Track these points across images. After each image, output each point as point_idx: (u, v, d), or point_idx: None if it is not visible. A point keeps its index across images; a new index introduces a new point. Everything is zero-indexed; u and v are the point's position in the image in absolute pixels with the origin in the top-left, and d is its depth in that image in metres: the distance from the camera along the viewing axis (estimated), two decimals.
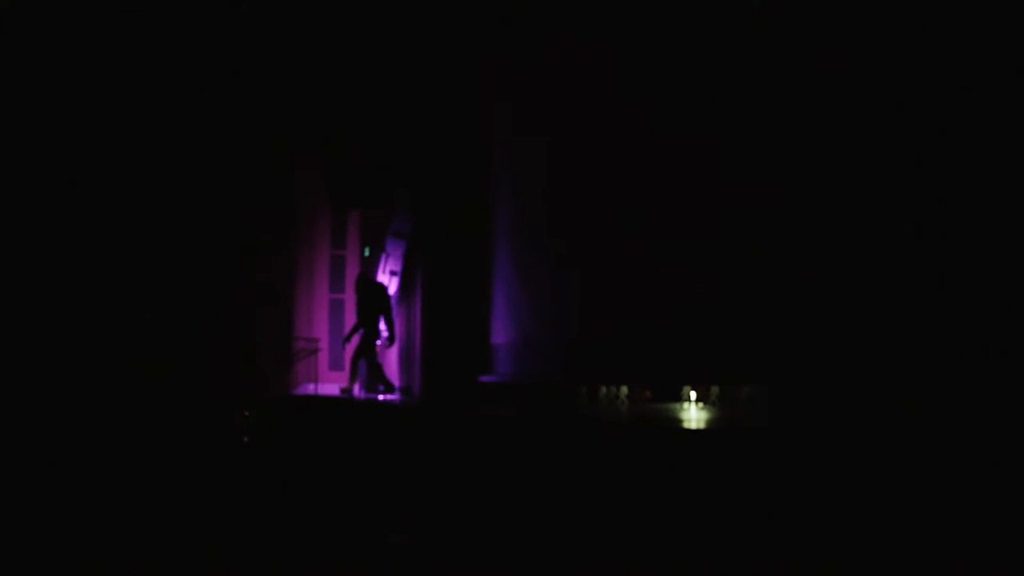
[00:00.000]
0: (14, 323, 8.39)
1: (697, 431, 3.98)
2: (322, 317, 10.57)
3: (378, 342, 9.28)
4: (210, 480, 6.55)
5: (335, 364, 10.44)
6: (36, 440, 7.39)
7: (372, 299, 9.27)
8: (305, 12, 9.26)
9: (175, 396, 8.76)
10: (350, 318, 10.07)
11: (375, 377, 9.19)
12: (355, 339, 9.33)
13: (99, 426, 8.01)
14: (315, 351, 10.12)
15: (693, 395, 6.46)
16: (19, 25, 8.39)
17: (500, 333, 8.31)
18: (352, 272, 10.61)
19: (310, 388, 10.02)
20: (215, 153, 9.73)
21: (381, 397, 8.81)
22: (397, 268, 9.93)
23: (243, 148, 9.93)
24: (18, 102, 8.50)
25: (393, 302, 9.65)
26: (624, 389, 7.18)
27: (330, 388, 9.84)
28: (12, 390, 8.01)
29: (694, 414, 5.37)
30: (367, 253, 10.53)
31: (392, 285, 9.87)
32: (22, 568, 4.15)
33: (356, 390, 9.23)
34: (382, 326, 9.25)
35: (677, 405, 6.44)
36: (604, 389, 7.31)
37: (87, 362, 8.70)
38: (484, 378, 8.26)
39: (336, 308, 10.70)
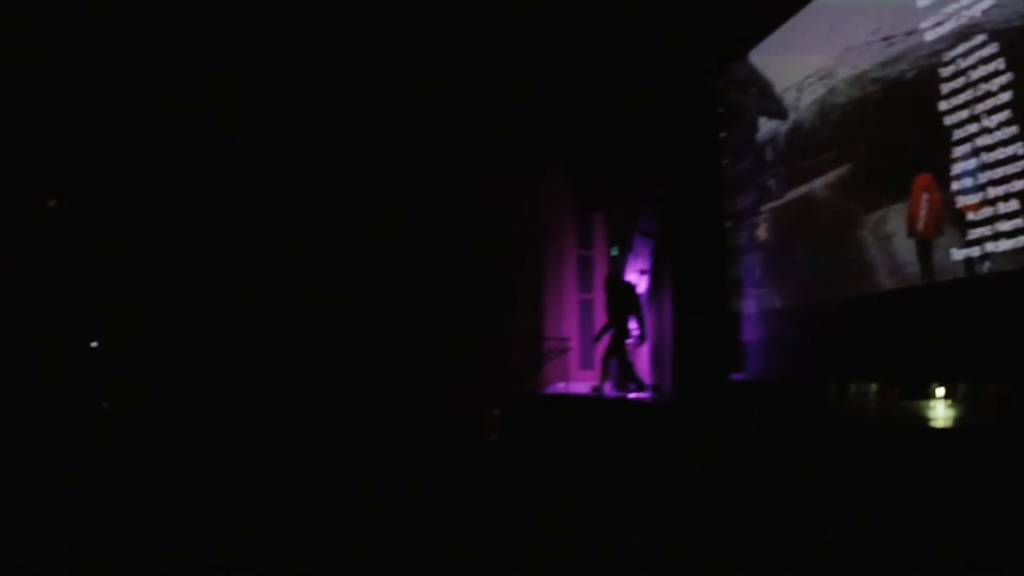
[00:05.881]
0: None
1: (944, 430, 3.75)
2: (571, 317, 10.76)
3: (628, 341, 9.22)
4: (459, 477, 6.86)
5: (585, 363, 10.58)
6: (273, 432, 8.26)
7: (621, 298, 9.26)
8: (554, 15, 9.38)
9: (428, 394, 9.27)
10: (599, 317, 10.18)
11: (626, 376, 9.13)
12: (605, 338, 9.36)
13: (354, 423, 8.69)
14: (565, 350, 10.30)
15: (941, 392, 6.13)
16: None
17: (751, 330, 8.01)
18: (600, 272, 10.74)
19: (560, 387, 10.23)
20: (462, 156, 10.18)
21: (632, 396, 8.74)
22: (646, 267, 9.82)
23: (488, 151, 10.30)
24: None
25: (643, 301, 9.57)
26: (874, 387, 6.92)
27: (581, 387, 9.97)
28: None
29: (941, 412, 5.02)
30: (615, 252, 10.56)
31: (642, 284, 9.78)
32: None
33: (607, 389, 9.23)
34: (632, 325, 9.20)
35: (925, 403, 6.05)
36: (853, 387, 7.07)
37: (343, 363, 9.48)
38: (735, 376, 8.00)
39: (585, 308, 10.85)
